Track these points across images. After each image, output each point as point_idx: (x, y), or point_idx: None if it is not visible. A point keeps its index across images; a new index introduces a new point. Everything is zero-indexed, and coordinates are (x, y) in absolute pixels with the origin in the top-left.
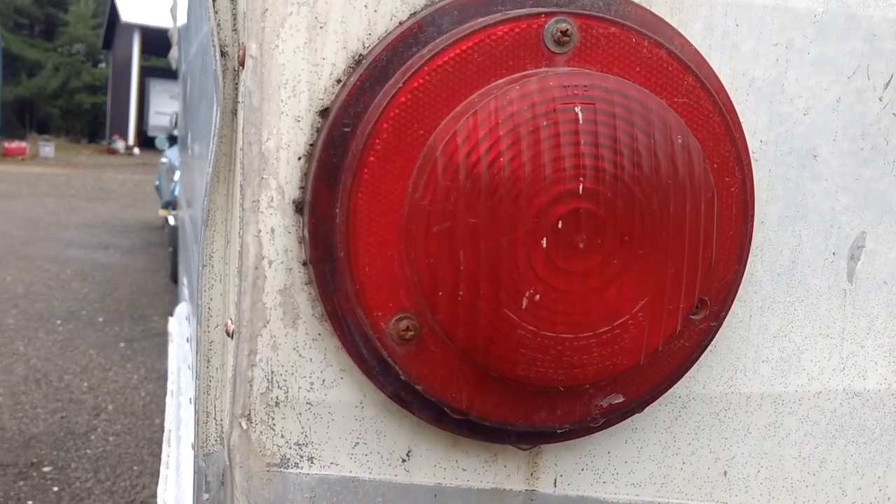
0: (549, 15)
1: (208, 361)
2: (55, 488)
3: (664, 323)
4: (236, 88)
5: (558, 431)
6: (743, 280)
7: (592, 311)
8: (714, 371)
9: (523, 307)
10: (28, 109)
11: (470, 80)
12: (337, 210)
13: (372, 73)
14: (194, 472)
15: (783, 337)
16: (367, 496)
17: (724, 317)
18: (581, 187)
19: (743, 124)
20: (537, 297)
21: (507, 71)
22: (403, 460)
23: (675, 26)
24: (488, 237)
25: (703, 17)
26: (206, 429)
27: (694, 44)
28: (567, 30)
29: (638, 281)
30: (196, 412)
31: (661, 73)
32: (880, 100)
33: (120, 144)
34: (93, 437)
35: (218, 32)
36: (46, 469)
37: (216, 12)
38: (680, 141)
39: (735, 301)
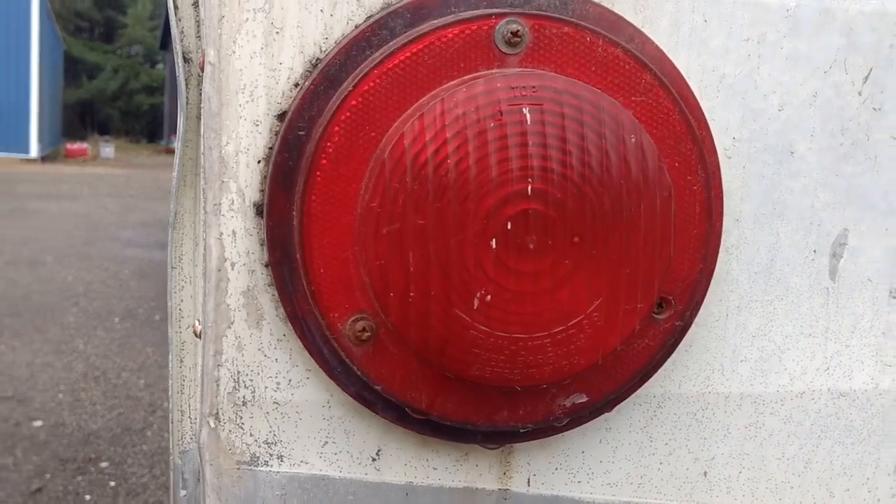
0: (500, 16)
1: (181, 361)
2: (112, 483)
3: (621, 323)
4: (200, 94)
5: (521, 431)
6: (718, 279)
7: (546, 312)
8: (690, 370)
9: (475, 308)
10: (89, 111)
11: (421, 83)
12: (293, 213)
13: (326, 77)
14: (171, 469)
15: (762, 336)
16: (338, 494)
17: (692, 316)
18: (529, 188)
19: (714, 121)
20: (488, 297)
21: (459, 73)
22: (373, 459)
23: (640, 24)
24: (437, 239)
25: (670, 14)
26: (181, 427)
27: (657, 41)
28: (518, 31)
29: (591, 281)
30: (170, 411)
31: (617, 72)
32: (859, 94)
33: None
34: (149, 433)
35: (181, 40)
36: (104, 464)
37: (179, 20)
38: (633, 140)
39: (709, 300)
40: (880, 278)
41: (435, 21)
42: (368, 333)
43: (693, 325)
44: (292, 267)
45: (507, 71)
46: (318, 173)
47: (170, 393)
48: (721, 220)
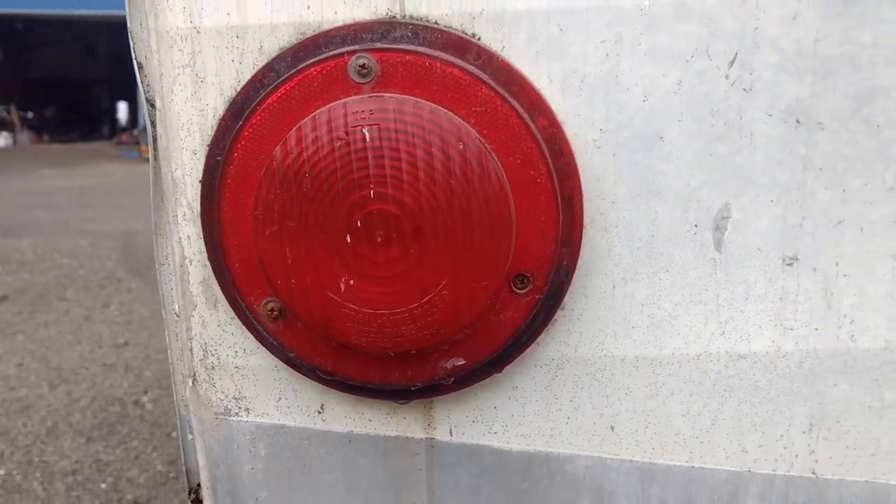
0: (351, 53)
1: (176, 336)
2: None
3: (473, 298)
4: None
5: (412, 389)
6: (600, 255)
7: (401, 292)
8: (584, 336)
9: (342, 290)
10: None
11: (295, 112)
12: (216, 221)
13: (233, 113)
14: (177, 419)
15: (651, 304)
16: (294, 439)
17: (556, 290)
18: (372, 192)
19: (580, 117)
20: (351, 282)
21: (324, 102)
22: (319, 412)
23: (500, 39)
24: (305, 237)
25: (526, 28)
26: (183, 387)
27: (517, 53)
28: (365, 64)
29: (436, 265)
30: (172, 374)
31: (455, 89)
32: (727, 77)
33: None
34: None
35: (146, 90)
36: None
37: (145, 75)
38: (461, 146)
39: (594, 273)
40: (771, 247)
41: (307, 61)
42: (277, 313)
43: (583, 297)
44: (220, 262)
45: (352, 98)
46: (226, 190)
47: (170, 360)
48: (581, 205)
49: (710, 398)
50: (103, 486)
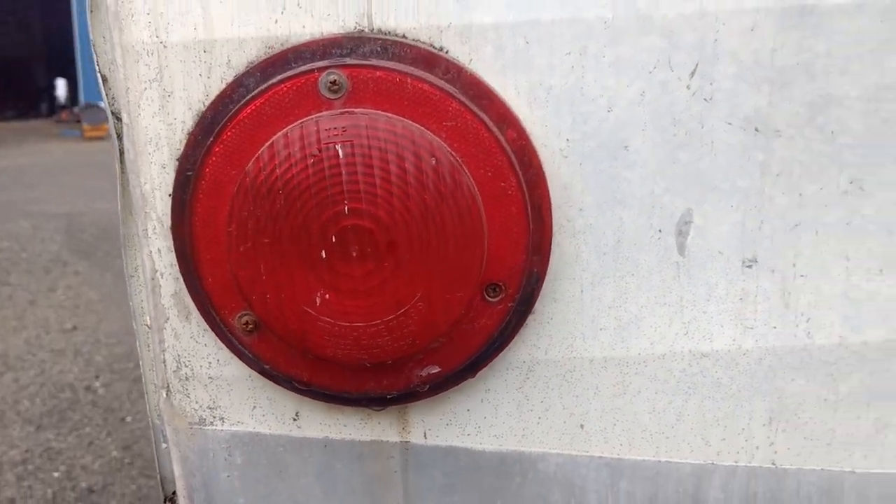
0: (322, 69)
1: (147, 347)
2: None
3: (447, 309)
4: None
5: (388, 397)
6: (569, 260)
7: (376, 304)
8: (554, 339)
9: (318, 304)
10: None
11: (266, 128)
12: (188, 235)
13: (203, 128)
14: (151, 429)
15: (618, 307)
16: (270, 447)
17: (528, 296)
18: (346, 208)
19: (547, 127)
20: (327, 296)
21: (295, 117)
22: (294, 419)
23: (468, 53)
24: (280, 253)
25: (492, 41)
26: (156, 397)
27: (484, 66)
28: (336, 80)
29: (411, 277)
30: (144, 384)
31: (426, 104)
32: (688, 87)
33: None
34: None
35: (111, 103)
36: None
37: (109, 88)
38: (433, 160)
39: (563, 279)
40: (731, 251)
41: (277, 77)
42: (252, 326)
43: (552, 301)
44: (193, 276)
45: (324, 115)
46: (198, 205)
47: (142, 371)
48: (550, 214)
49: (674, 395)
50: (56, 474)
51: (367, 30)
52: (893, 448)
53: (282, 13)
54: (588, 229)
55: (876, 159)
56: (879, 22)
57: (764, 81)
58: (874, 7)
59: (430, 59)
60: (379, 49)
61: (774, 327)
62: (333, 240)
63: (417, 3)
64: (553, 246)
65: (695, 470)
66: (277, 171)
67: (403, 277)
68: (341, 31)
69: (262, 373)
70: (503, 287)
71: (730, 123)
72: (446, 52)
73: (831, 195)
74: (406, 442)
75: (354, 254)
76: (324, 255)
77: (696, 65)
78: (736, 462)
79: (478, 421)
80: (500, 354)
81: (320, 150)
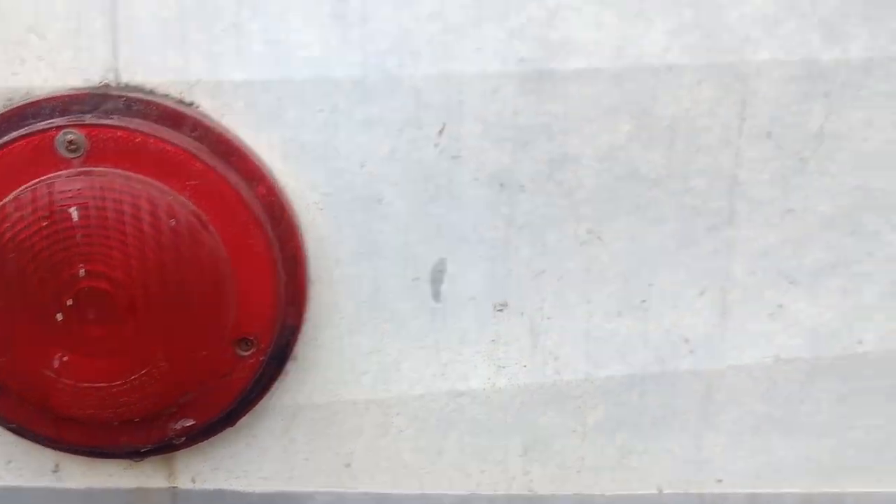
0: (59, 128)
1: None
2: None
3: (192, 367)
4: None
5: (141, 451)
6: (328, 309)
7: (118, 365)
8: (317, 385)
9: (56, 367)
10: None
11: (1, 187)
12: None
13: None
14: None
15: (378, 352)
16: (28, 500)
17: (282, 348)
18: (82, 271)
19: (300, 181)
20: (65, 358)
21: (31, 177)
22: (54, 471)
23: (218, 108)
24: (17, 316)
25: (244, 97)
26: None
27: (236, 121)
28: (73, 139)
29: (154, 337)
30: None
31: (169, 163)
32: (436, 146)
33: None
34: None
35: None
36: None
37: None
38: (173, 222)
39: (323, 327)
40: (483, 296)
41: (13, 133)
42: None
43: (314, 349)
44: None
45: (58, 176)
46: None
47: None
48: (304, 266)
49: (435, 433)
50: None
51: (113, 84)
52: (636, 471)
53: (21, 64)
54: (345, 279)
55: (609, 212)
56: (613, 86)
57: (507, 140)
58: (607, 73)
59: (177, 117)
60: (122, 106)
61: (525, 366)
62: (70, 302)
63: (165, 58)
64: (311, 296)
65: (457, 501)
66: (8, 233)
67: (145, 337)
68: (85, 86)
69: (13, 431)
70: (254, 341)
71: (477, 179)
72: (197, 108)
73: (571, 245)
74: (174, 487)
75: (92, 316)
76: (60, 318)
77: (444, 124)
78: (495, 491)
79: (244, 465)
80: (262, 401)
81: (52, 213)
